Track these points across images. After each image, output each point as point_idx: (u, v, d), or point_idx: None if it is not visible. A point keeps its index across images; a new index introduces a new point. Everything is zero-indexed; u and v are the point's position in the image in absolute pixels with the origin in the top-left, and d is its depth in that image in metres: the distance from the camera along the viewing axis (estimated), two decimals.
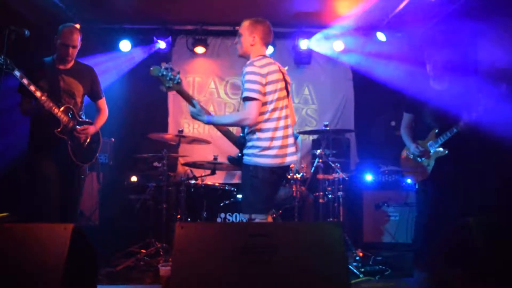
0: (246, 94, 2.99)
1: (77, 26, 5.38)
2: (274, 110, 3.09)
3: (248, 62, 3.11)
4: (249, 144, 3.11)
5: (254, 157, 3.07)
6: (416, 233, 4.11)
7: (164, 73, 2.97)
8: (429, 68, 3.99)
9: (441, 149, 3.83)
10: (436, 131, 3.87)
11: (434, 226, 3.76)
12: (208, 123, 3.15)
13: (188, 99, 3.12)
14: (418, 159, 3.97)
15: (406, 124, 4.14)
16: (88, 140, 3.81)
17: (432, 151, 3.88)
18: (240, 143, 3.21)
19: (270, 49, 6.29)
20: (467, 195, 3.89)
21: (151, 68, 3.00)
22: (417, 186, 4.09)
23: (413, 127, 4.13)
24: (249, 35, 3.20)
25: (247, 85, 3.00)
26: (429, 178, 3.88)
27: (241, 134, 3.28)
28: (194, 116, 3.13)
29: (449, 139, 3.77)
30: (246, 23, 3.24)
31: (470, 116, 3.64)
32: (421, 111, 3.98)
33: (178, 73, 3.00)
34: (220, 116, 3.10)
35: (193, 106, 3.10)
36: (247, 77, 3.02)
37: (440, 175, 3.83)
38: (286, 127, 3.14)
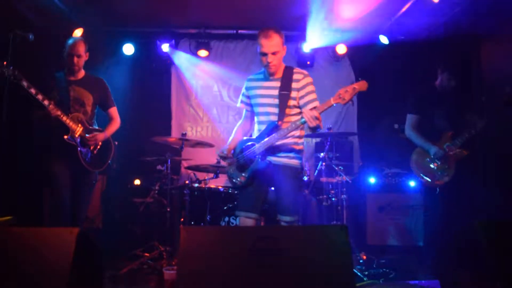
0: (316, 103, 3.18)
1: (80, 30, 5.48)
2: None
3: (303, 72, 3.30)
4: (295, 147, 3.25)
5: (301, 160, 3.27)
6: (430, 236, 4.06)
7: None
8: (442, 75, 3.96)
9: (461, 150, 3.82)
10: (450, 133, 3.86)
11: (448, 229, 3.75)
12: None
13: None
14: (438, 162, 3.92)
15: (414, 125, 4.09)
16: (99, 146, 3.91)
17: (452, 153, 3.85)
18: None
19: None
20: (485, 198, 3.89)
21: None
22: (437, 189, 4.01)
23: (418, 128, 4.10)
24: (283, 49, 3.23)
25: (314, 95, 3.24)
26: (450, 183, 3.85)
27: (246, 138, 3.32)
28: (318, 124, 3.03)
29: (467, 140, 3.77)
30: (277, 38, 3.15)
31: (484, 118, 3.65)
32: (432, 112, 3.96)
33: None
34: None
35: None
36: (313, 87, 3.28)
37: (459, 178, 3.83)
38: None
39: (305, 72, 3.30)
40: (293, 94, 3.22)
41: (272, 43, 3.15)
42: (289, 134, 3.19)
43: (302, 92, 3.22)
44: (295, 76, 3.23)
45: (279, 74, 3.27)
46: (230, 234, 2.36)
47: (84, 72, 3.95)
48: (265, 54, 3.18)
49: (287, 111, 3.20)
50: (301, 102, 3.21)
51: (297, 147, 3.27)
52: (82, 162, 3.74)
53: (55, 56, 4.01)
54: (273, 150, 3.20)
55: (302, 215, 4.64)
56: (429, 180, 3.99)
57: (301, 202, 3.24)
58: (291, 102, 3.22)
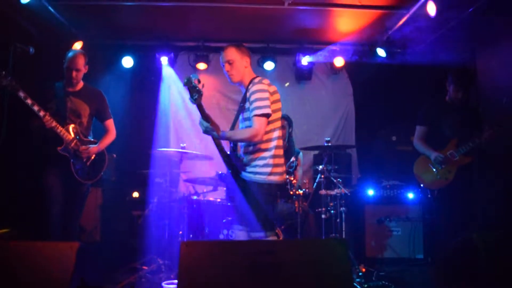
0: (258, 111, 3.05)
1: (80, 43, 5.50)
2: (274, 129, 3.20)
3: (256, 80, 3.18)
4: (258, 162, 3.16)
5: (267, 175, 3.14)
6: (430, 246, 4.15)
7: (194, 85, 2.89)
8: (452, 87, 4.07)
9: (464, 157, 3.95)
10: (456, 140, 3.97)
11: (448, 240, 3.81)
12: (222, 138, 3.11)
13: (204, 113, 3.04)
14: (439, 166, 4.05)
15: (421, 136, 4.28)
16: (92, 158, 3.90)
17: (454, 159, 3.97)
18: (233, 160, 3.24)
19: (271, 65, 6.33)
20: (487, 206, 3.96)
21: (185, 79, 2.91)
22: (436, 196, 4.14)
23: (425, 138, 4.26)
24: (241, 59, 3.26)
25: (258, 103, 3.06)
26: (449, 187, 3.99)
27: (234, 152, 3.33)
28: (208, 131, 3.05)
29: (471, 149, 3.92)
30: (232, 49, 3.27)
31: (491, 127, 3.76)
32: (439, 123, 4.12)
33: (203, 86, 2.94)
34: (232, 132, 3.15)
35: (207, 121, 3.03)
36: (258, 94, 3.08)
37: (462, 184, 3.97)
38: (280, 146, 3.24)
39: (256, 80, 3.20)
40: (247, 105, 3.18)
41: (225, 53, 3.27)
42: (252, 149, 3.18)
43: (250, 101, 3.14)
44: (250, 86, 3.20)
45: (246, 86, 3.28)
46: (230, 248, 2.36)
47: (82, 83, 3.96)
48: (222, 66, 3.29)
49: (237, 124, 3.25)
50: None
51: (260, 162, 3.16)
52: (74, 174, 3.74)
53: (55, 68, 4.02)
54: (242, 166, 3.22)
55: (301, 228, 4.64)
56: (428, 183, 4.17)
57: (270, 220, 3.17)
58: (245, 114, 3.20)
